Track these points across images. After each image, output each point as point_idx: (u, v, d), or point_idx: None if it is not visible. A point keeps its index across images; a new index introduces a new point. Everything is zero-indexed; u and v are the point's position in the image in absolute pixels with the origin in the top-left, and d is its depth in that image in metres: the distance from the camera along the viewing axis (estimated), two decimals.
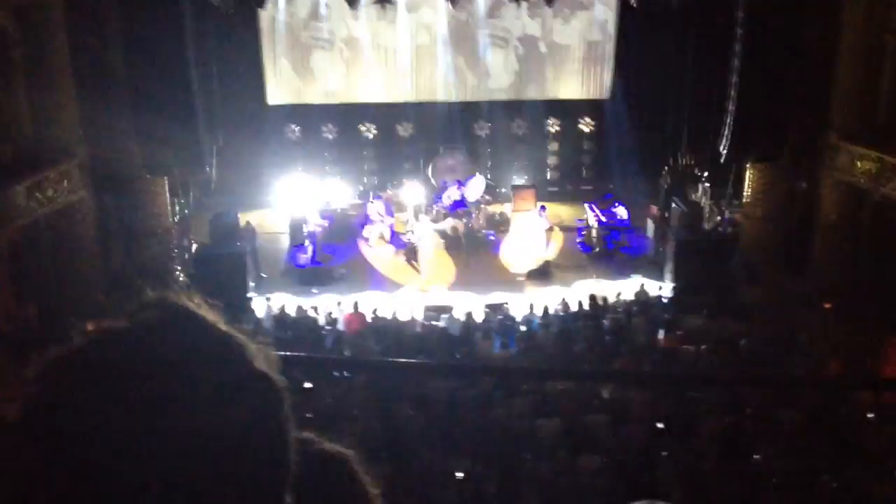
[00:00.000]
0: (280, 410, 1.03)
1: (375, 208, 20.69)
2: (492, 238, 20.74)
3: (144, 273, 17.50)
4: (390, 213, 20.89)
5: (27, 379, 1.00)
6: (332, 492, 1.15)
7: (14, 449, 0.94)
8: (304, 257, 19.47)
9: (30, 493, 0.92)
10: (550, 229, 20.12)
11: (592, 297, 16.47)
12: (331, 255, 20.00)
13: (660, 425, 10.55)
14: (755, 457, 9.07)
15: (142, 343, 1.00)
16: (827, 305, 16.61)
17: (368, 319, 15.78)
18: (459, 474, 9.15)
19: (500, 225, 21.28)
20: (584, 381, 12.09)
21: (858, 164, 16.90)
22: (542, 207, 20.26)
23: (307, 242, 19.77)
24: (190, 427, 0.93)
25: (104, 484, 0.90)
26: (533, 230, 19.58)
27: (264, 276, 19.00)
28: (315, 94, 22.92)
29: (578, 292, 17.18)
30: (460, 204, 20.68)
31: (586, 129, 23.83)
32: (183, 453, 0.92)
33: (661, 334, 14.80)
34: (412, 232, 19.95)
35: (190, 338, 1.02)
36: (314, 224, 20.14)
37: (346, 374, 11.66)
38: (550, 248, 19.81)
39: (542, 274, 19.00)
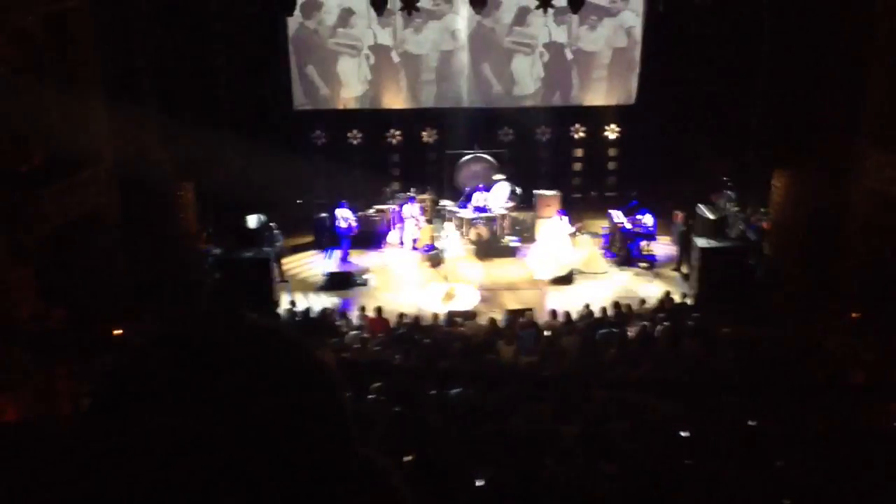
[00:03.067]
0: (340, 407, 1.05)
1: (410, 211, 20.78)
2: (516, 244, 20.72)
3: (171, 278, 17.68)
4: (422, 218, 21.03)
5: (103, 371, 1.02)
6: (370, 499, 1.16)
7: (85, 443, 0.96)
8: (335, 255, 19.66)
9: (99, 489, 0.94)
10: (574, 234, 20.08)
11: (617, 304, 16.41)
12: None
13: (683, 433, 10.49)
14: (778, 464, 8.98)
15: (216, 342, 1.01)
16: (854, 315, 16.44)
17: (392, 324, 15.80)
18: (480, 482, 9.13)
19: (525, 231, 21.27)
20: (607, 388, 12.05)
21: (888, 171, 16.69)
22: (563, 212, 20.25)
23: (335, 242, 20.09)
24: (262, 421, 0.95)
25: (174, 479, 0.92)
26: (558, 236, 19.56)
27: (287, 281, 19.12)
28: (341, 100, 23.05)
29: (603, 299, 17.11)
30: (484, 210, 20.69)
31: (612, 136, 23.78)
32: (255, 447, 0.94)
33: (686, 342, 14.69)
34: (439, 237, 20.01)
35: (260, 339, 1.03)
36: (347, 222, 20.26)
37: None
38: (578, 254, 19.77)
39: (567, 281, 18.96)
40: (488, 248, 20.40)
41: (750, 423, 10.76)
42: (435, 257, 19.60)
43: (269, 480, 0.94)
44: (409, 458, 8.97)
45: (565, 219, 20.01)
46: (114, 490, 0.93)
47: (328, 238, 20.76)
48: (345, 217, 20.30)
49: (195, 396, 0.94)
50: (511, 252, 20.50)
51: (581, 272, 19.42)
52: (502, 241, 20.71)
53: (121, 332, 14.82)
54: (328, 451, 1.00)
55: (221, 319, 1.06)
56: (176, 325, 1.05)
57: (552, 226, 20.10)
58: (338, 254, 20.14)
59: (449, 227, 20.03)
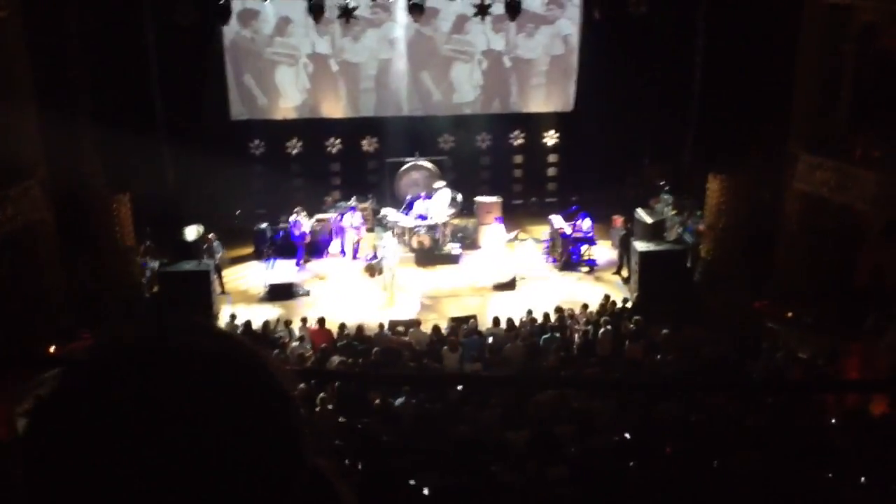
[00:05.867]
0: (294, 419, 1.03)
1: (351, 220, 20.72)
2: (458, 251, 20.77)
3: (109, 291, 17.35)
4: (363, 227, 21.01)
5: (40, 390, 0.99)
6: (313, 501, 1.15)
7: (24, 462, 0.93)
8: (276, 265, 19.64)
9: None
10: (513, 239, 20.23)
11: (559, 309, 16.54)
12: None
13: (627, 435, 10.61)
14: (718, 463, 9.14)
15: (157, 356, 0.99)
16: (789, 314, 16.83)
17: (334, 335, 15.70)
18: (426, 490, 9.13)
19: (466, 238, 21.35)
20: (552, 391, 12.14)
21: (818, 173, 17.14)
22: (499, 219, 20.41)
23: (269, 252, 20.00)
24: (205, 436, 0.92)
25: (114, 492, 0.89)
26: (498, 242, 19.70)
27: (228, 293, 18.91)
28: (279, 110, 22.90)
29: (545, 304, 17.22)
30: (426, 218, 20.70)
31: (551, 142, 24.01)
32: (200, 460, 0.91)
33: (626, 345, 14.87)
34: (379, 246, 19.97)
35: (214, 350, 1.01)
36: (298, 229, 20.23)
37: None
38: (518, 259, 19.92)
39: (509, 286, 19.07)
40: (430, 256, 20.42)
41: (690, 423, 10.95)
42: (376, 266, 19.56)
43: (219, 494, 0.93)
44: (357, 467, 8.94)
45: (502, 226, 20.15)
46: None
47: (268, 248, 20.58)
48: (296, 223, 20.27)
49: (139, 413, 0.92)
50: (453, 259, 20.55)
51: (523, 278, 19.55)
52: (444, 248, 20.74)
53: (57, 349, 14.51)
54: (280, 464, 0.99)
55: (167, 330, 1.04)
56: (118, 337, 1.03)
57: (493, 232, 20.23)
58: (282, 263, 20.00)
59: (387, 235, 19.99)
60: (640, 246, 18.31)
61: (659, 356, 14.03)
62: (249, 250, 21.14)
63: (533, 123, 23.90)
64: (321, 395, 11.86)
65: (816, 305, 16.41)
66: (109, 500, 0.89)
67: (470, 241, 21.12)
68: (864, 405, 11.40)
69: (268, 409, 0.99)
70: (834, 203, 16.99)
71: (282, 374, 1.04)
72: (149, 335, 1.02)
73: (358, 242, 20.80)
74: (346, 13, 19.28)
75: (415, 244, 20.42)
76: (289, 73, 22.59)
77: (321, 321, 15.86)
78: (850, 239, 17.09)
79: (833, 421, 11.27)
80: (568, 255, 20.19)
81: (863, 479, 8.95)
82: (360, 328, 15.77)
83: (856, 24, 16.73)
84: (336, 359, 13.94)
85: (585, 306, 17.06)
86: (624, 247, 19.68)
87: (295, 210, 20.57)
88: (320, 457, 1.20)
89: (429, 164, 22.70)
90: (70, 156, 16.73)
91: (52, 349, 14.44)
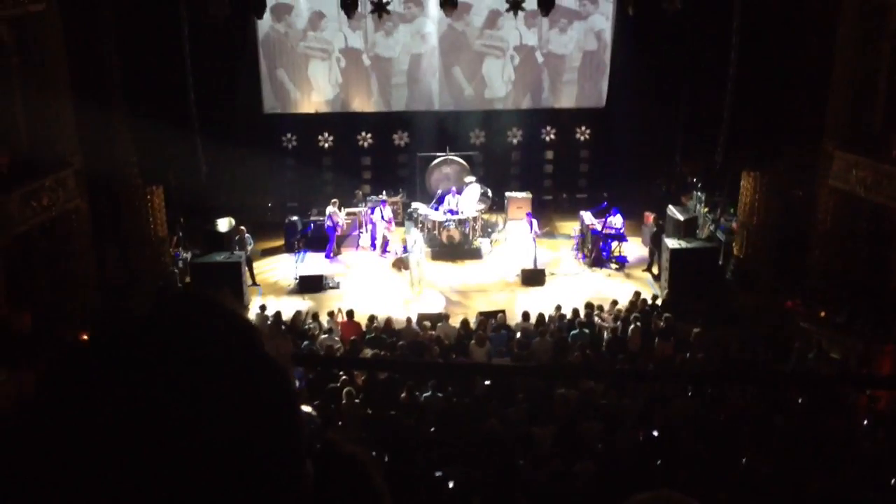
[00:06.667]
0: (289, 397, 1.03)
1: (381, 213, 20.79)
2: (487, 246, 20.77)
3: (140, 282, 17.54)
4: (392, 221, 21.09)
5: (41, 368, 1.00)
6: (348, 492, 1.15)
7: (24, 439, 0.94)
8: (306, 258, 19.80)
9: (37, 484, 0.92)
10: (543, 236, 20.18)
11: (588, 305, 16.48)
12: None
13: (654, 433, 10.56)
14: (745, 462, 9.06)
15: (153, 331, 0.99)
16: (822, 313, 16.63)
17: (363, 328, 15.76)
18: (451, 483, 9.14)
19: (496, 233, 21.34)
20: (578, 387, 12.11)
21: (854, 172, 16.91)
22: (529, 215, 20.35)
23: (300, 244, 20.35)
24: (197, 413, 0.93)
25: (110, 472, 0.90)
26: (528, 238, 19.67)
27: (258, 285, 19.05)
28: (311, 104, 22.99)
29: (574, 300, 17.17)
30: (456, 212, 20.71)
31: (582, 138, 23.90)
32: (191, 439, 0.92)
33: (656, 342, 14.79)
34: (408, 240, 20.02)
35: (203, 326, 1.01)
36: (336, 222, 20.41)
37: None
38: (545, 256, 19.88)
39: (538, 282, 19.03)
40: (460, 250, 20.42)
41: (720, 421, 10.87)
42: (406, 260, 19.60)
43: (215, 478, 0.93)
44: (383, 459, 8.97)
45: (534, 221, 20.08)
46: (54, 485, 0.91)
47: (299, 241, 20.74)
48: (330, 216, 20.40)
49: (136, 392, 0.92)
50: (482, 254, 20.54)
51: (553, 273, 19.50)
52: (473, 242, 20.73)
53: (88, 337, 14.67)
54: (277, 453, 0.99)
55: (163, 313, 1.04)
56: (118, 321, 1.03)
57: (523, 227, 20.20)
58: (312, 256, 20.17)
59: (415, 230, 20.02)
60: (671, 243, 18.19)
61: (689, 354, 13.95)
62: (280, 243, 21.27)
63: (564, 119, 23.79)
64: (347, 388, 11.92)
65: (849, 306, 16.20)
66: (102, 475, 0.90)
67: (499, 237, 21.12)
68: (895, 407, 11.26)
69: (260, 392, 0.99)
70: (869, 202, 16.77)
71: (278, 356, 1.04)
72: (143, 319, 1.02)
73: (388, 236, 20.86)
74: (379, 8, 19.29)
75: (444, 238, 20.43)
76: (321, 67, 22.68)
77: (350, 313, 15.93)
78: (884, 238, 16.87)
79: (865, 423, 11.14)
80: (598, 252, 20.11)
81: (893, 481, 8.84)
82: (388, 321, 15.82)
83: (892, 22, 16.49)
84: (368, 351, 14.02)
85: (615, 303, 16.99)
86: (655, 244, 19.57)
87: (332, 201, 20.68)
88: (352, 444, 1.21)
89: (459, 159, 22.69)
90: (105, 147, 16.93)
91: (84, 336, 14.61)
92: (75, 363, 0.97)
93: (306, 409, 1.19)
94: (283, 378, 1.03)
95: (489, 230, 21.39)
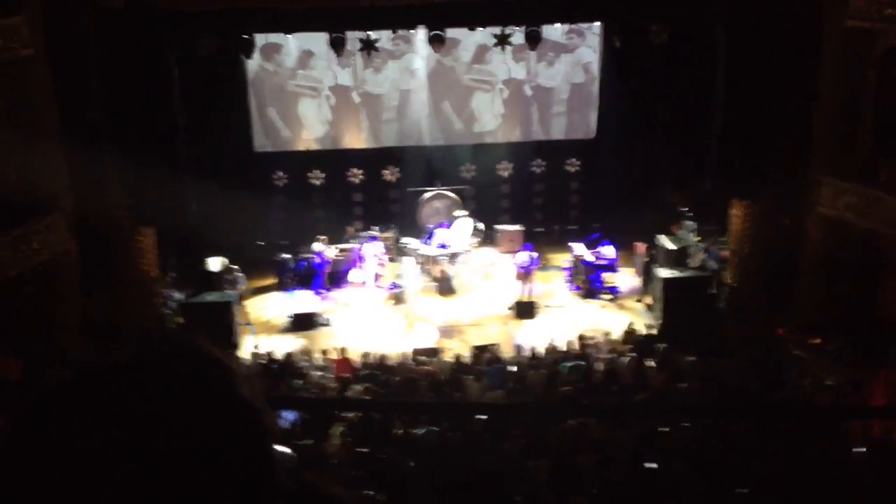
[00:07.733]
0: (261, 439, 1.03)
1: (373, 249, 20.77)
2: (479, 280, 20.76)
3: (130, 324, 17.44)
4: (384, 256, 21.07)
5: (17, 411, 1.00)
6: None
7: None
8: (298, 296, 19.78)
9: None
10: (536, 269, 20.20)
11: (581, 337, 16.46)
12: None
13: (651, 465, 10.49)
14: (742, 491, 9.00)
15: (129, 375, 1.00)
16: (816, 340, 16.60)
17: (356, 364, 15.70)
18: None
19: (487, 267, 21.33)
20: (573, 420, 12.03)
21: (843, 197, 16.97)
22: (528, 246, 20.33)
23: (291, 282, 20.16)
24: (173, 452, 0.93)
25: None
26: (521, 271, 19.65)
27: (250, 324, 18.98)
28: (302, 141, 23.09)
29: (567, 332, 17.15)
30: (446, 247, 20.71)
31: (572, 170, 24.00)
32: (165, 477, 0.91)
33: (651, 372, 14.74)
34: (400, 275, 20.01)
35: (179, 370, 1.02)
36: (320, 257, 20.31)
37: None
38: (538, 288, 19.87)
39: (530, 314, 19.01)
40: (452, 285, 20.42)
41: (713, 452, 10.80)
42: (398, 295, 19.58)
43: None
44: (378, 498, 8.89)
45: (534, 254, 19.98)
46: None
47: (291, 279, 20.71)
48: (317, 252, 20.36)
49: (106, 435, 0.92)
50: (474, 287, 20.52)
51: (546, 306, 19.49)
52: (464, 276, 20.71)
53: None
54: (246, 495, 0.99)
55: (141, 353, 1.05)
56: (96, 365, 1.04)
57: (515, 260, 20.19)
58: (303, 293, 20.07)
59: (408, 264, 20.02)
60: (663, 273, 18.21)
61: (684, 384, 13.90)
62: (272, 281, 21.25)
63: (554, 151, 23.91)
64: (340, 429, 11.83)
65: (840, 333, 16.18)
66: None
67: (491, 270, 21.10)
68: (890, 434, 11.21)
69: (234, 430, 0.99)
70: (858, 228, 16.80)
71: (251, 393, 1.04)
72: (121, 359, 1.04)
73: (380, 271, 20.84)
74: (368, 45, 19.46)
75: (437, 273, 20.43)
76: (311, 105, 22.80)
77: (342, 351, 15.88)
78: (875, 265, 16.89)
79: (863, 450, 11.08)
80: (590, 283, 20.12)
81: None
82: (382, 358, 15.77)
83: (878, 48, 16.63)
84: (359, 387, 13.94)
85: (608, 334, 16.96)
86: (646, 274, 19.59)
87: (318, 238, 20.67)
88: (337, 486, 1.19)
89: (450, 193, 22.76)
90: (94, 189, 16.90)
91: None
92: (48, 407, 0.98)
93: (284, 449, 1.19)
94: (255, 420, 1.03)
95: (481, 263, 21.38)
